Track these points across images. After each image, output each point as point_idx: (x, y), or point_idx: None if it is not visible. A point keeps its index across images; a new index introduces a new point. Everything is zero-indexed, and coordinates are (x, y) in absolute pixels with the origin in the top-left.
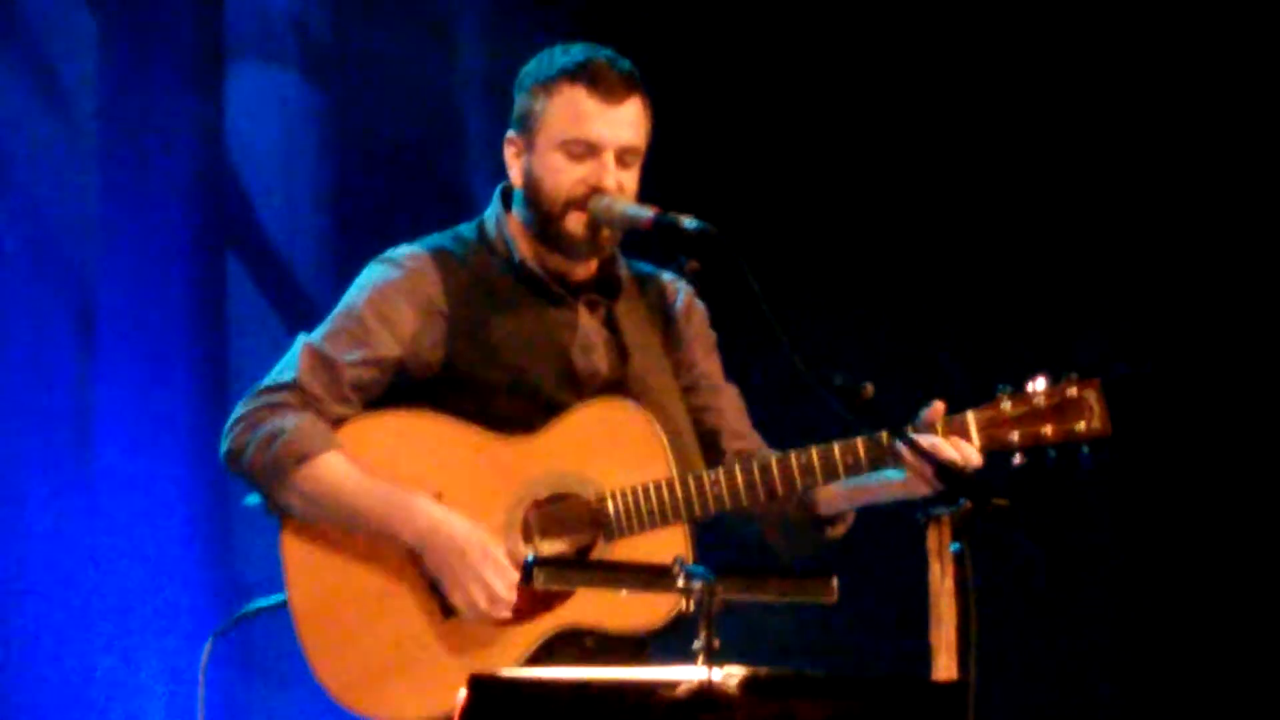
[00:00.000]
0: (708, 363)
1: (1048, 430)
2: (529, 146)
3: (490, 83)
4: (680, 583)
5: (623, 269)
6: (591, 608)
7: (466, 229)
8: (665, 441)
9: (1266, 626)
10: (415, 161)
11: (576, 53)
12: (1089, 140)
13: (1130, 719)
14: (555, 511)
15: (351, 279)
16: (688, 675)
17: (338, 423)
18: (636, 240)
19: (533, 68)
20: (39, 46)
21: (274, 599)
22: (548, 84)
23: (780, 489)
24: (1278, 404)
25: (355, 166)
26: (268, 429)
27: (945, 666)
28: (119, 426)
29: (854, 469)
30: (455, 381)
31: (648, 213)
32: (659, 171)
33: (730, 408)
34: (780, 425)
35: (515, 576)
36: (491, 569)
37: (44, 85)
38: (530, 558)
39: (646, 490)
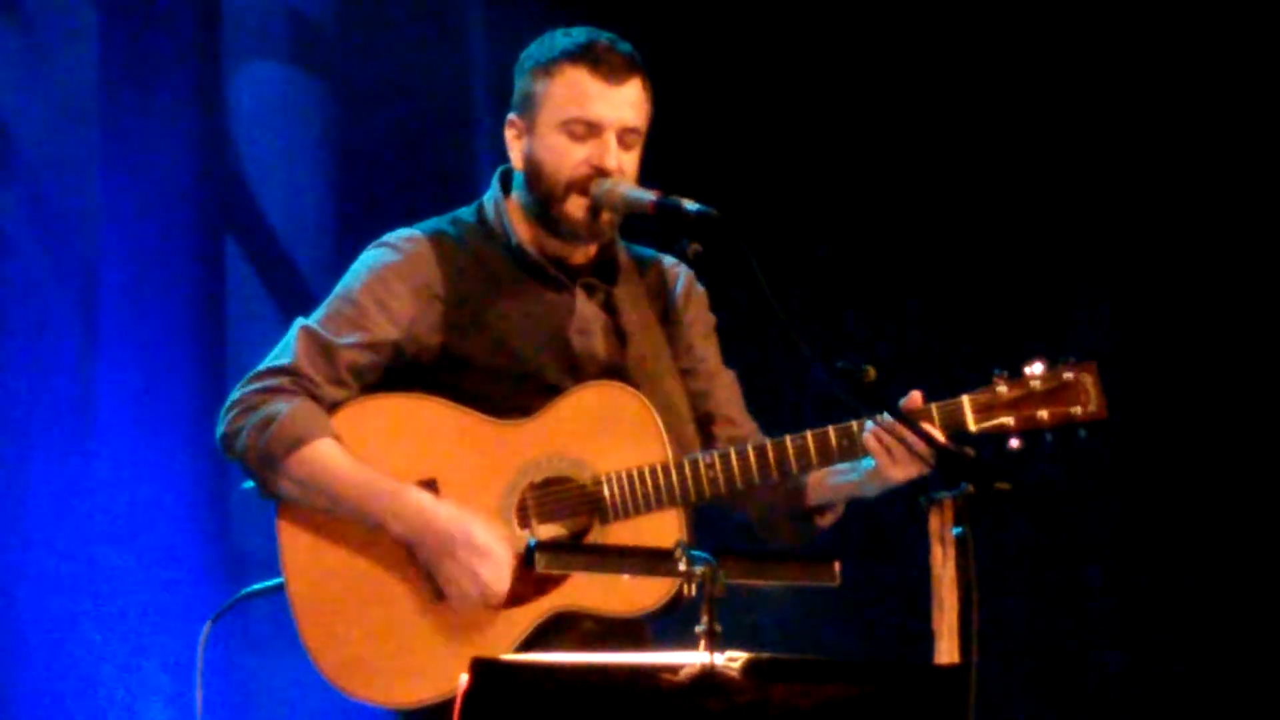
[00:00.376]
0: (705, 347)
1: (1043, 414)
2: (530, 128)
3: (493, 71)
4: (682, 566)
5: (622, 253)
6: (585, 591)
7: (465, 212)
8: (661, 425)
9: (1270, 611)
10: (416, 149)
11: (578, 35)
12: (1089, 126)
13: (1133, 702)
14: (551, 495)
15: (348, 263)
16: (690, 660)
17: (333, 406)
18: (638, 223)
19: (534, 50)
20: (40, 36)
21: (272, 582)
22: (549, 65)
23: (775, 472)
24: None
25: (356, 154)
26: (262, 414)
27: (947, 650)
28: (120, 411)
29: (849, 451)
30: (452, 365)
31: (650, 196)
32: (660, 155)
33: (725, 393)
34: (779, 409)
35: (505, 563)
36: (479, 559)
37: (46, 75)
38: (532, 542)
39: (642, 474)
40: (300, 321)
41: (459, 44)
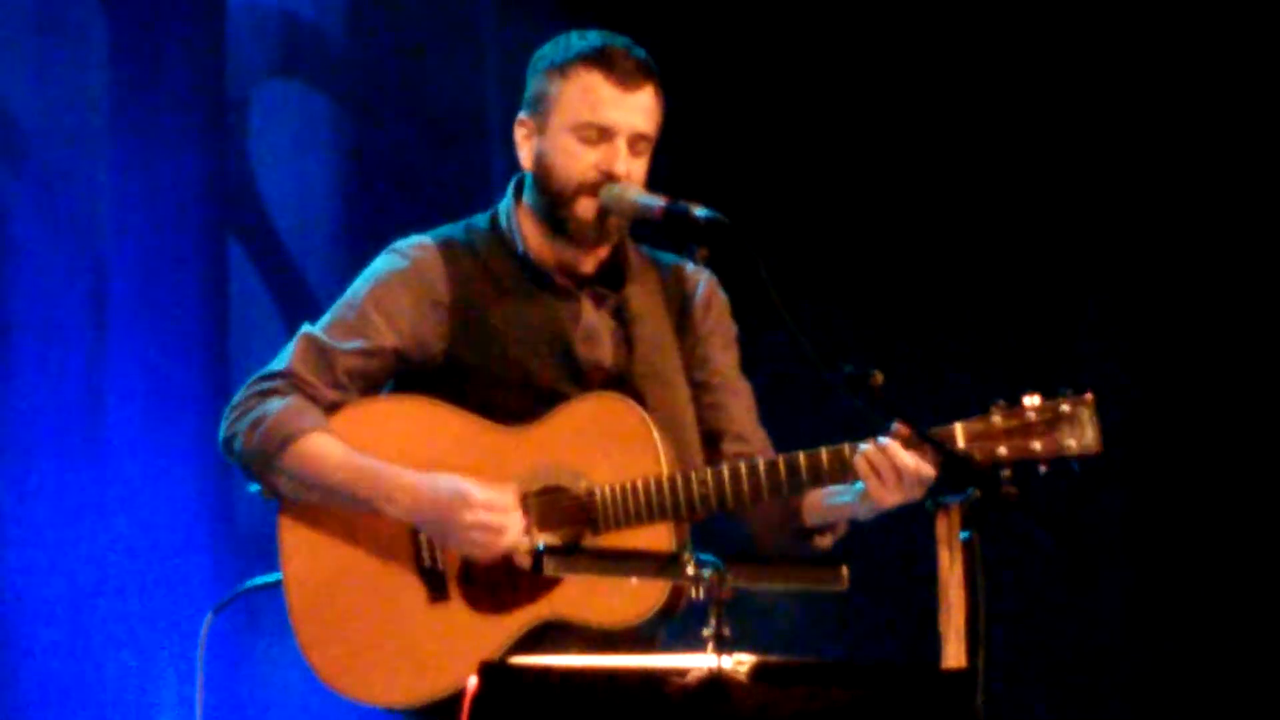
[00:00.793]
0: (724, 358)
1: (1037, 446)
2: (541, 129)
3: (506, 78)
4: (690, 570)
5: (635, 257)
6: (575, 602)
7: (480, 219)
8: (658, 439)
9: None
10: (426, 156)
11: (593, 38)
12: (1102, 144)
13: (1140, 705)
14: (546, 503)
15: (358, 269)
16: (698, 663)
17: (331, 408)
18: (646, 229)
19: (548, 51)
20: (50, 42)
21: (274, 576)
22: (563, 67)
23: (766, 492)
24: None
25: (365, 160)
26: (256, 414)
27: (954, 654)
28: (128, 412)
29: (840, 474)
30: (456, 372)
31: (659, 201)
32: (670, 160)
33: (739, 408)
34: (786, 415)
35: (513, 506)
36: (487, 512)
37: (55, 81)
38: (540, 545)
39: (635, 487)
40: (305, 328)
41: (472, 51)
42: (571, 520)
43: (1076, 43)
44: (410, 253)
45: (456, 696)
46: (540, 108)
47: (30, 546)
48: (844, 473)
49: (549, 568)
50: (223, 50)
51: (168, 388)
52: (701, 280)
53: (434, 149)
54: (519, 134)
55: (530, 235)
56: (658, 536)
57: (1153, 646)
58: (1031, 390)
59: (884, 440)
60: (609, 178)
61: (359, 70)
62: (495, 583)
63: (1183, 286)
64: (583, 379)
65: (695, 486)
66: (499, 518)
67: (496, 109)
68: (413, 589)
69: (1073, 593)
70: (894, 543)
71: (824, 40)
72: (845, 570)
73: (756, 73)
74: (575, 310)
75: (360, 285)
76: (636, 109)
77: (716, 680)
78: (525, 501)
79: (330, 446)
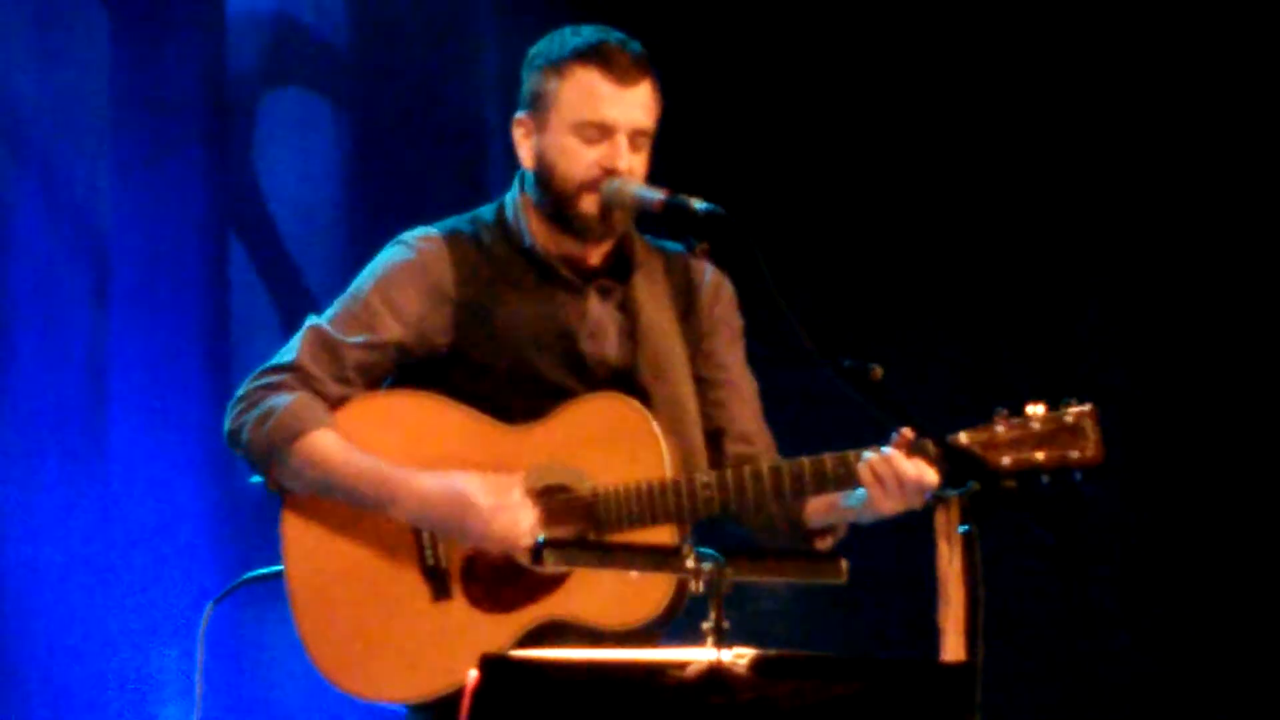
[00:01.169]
0: (729, 354)
1: (1040, 455)
2: (540, 127)
3: (505, 76)
4: (689, 564)
5: (642, 249)
6: (578, 602)
7: (486, 211)
8: (662, 440)
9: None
10: (428, 154)
11: (588, 34)
12: (1102, 141)
13: (1140, 698)
14: (550, 502)
15: (360, 263)
16: (697, 656)
17: (337, 403)
18: (647, 223)
19: (543, 48)
20: (53, 39)
21: (274, 568)
22: (560, 65)
23: (771, 497)
24: None
25: (367, 156)
26: (263, 408)
27: (953, 647)
28: (131, 404)
29: (844, 480)
30: (460, 366)
31: (658, 195)
32: (669, 154)
33: (743, 406)
34: (786, 412)
35: (520, 503)
36: (497, 501)
37: (56, 76)
38: (541, 538)
39: (639, 489)
40: (311, 320)
41: (471, 52)
42: (575, 520)
43: (1079, 42)
44: (416, 244)
45: (457, 694)
46: (538, 106)
47: (32, 540)
48: (848, 479)
49: (548, 560)
50: (223, 50)
51: (169, 380)
52: (709, 270)
53: (434, 149)
54: (517, 133)
55: (536, 229)
56: (660, 537)
57: (1148, 640)
58: (1034, 398)
59: (887, 449)
60: (610, 174)
61: (358, 71)
62: (498, 582)
63: (1182, 287)
64: (587, 374)
65: (699, 490)
66: (510, 513)
67: (496, 109)
68: (415, 587)
69: (1068, 586)
70: (893, 536)
71: (829, 36)
72: (844, 564)
73: (755, 64)
74: (582, 304)
75: (366, 277)
76: (635, 104)
77: (716, 673)
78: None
79: (336, 445)
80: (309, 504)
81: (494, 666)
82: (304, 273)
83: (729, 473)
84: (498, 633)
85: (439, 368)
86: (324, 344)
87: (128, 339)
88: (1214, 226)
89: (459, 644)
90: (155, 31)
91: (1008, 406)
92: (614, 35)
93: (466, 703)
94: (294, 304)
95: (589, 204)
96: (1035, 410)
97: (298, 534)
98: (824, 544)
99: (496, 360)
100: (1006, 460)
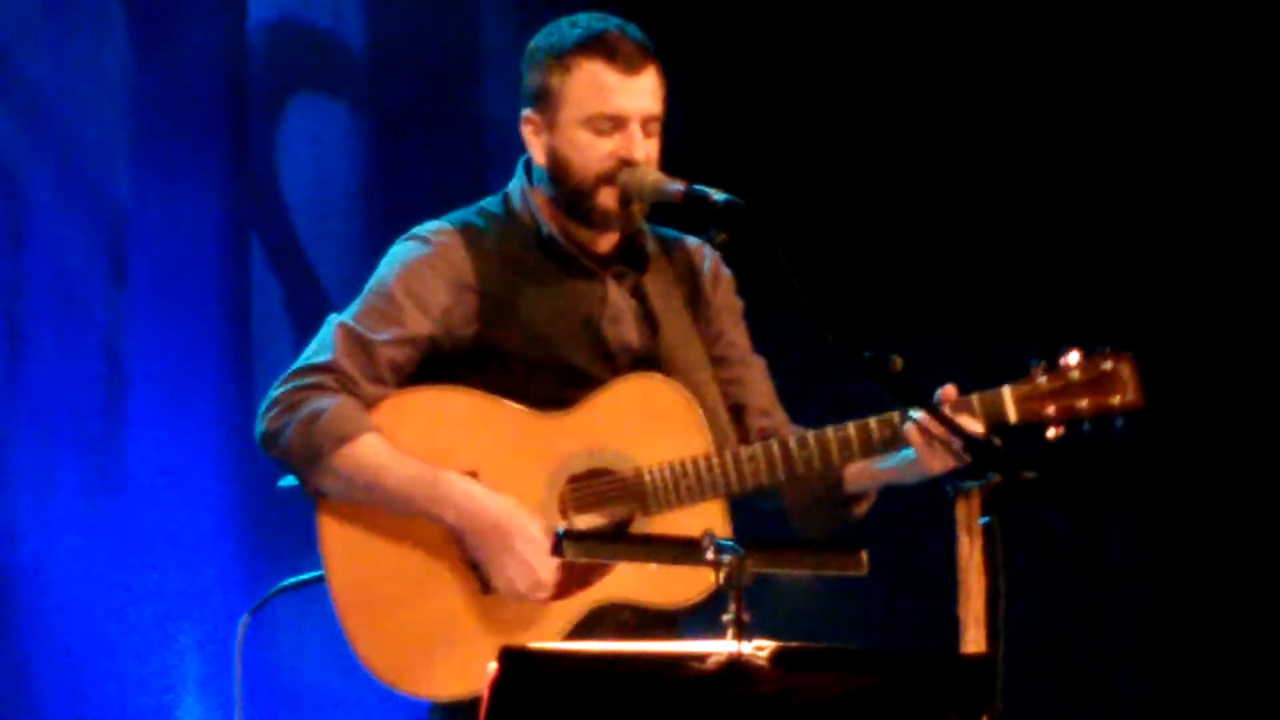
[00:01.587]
0: (736, 333)
1: (1083, 404)
2: (550, 123)
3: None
4: (710, 556)
5: (649, 237)
6: (630, 582)
7: (491, 203)
8: (702, 416)
9: None
10: (443, 150)
11: (587, 24)
12: (1116, 125)
13: (1157, 692)
14: (592, 486)
15: (378, 257)
16: (717, 649)
17: (372, 403)
18: (662, 212)
19: (542, 42)
20: (72, 30)
21: (308, 575)
22: (563, 59)
23: (818, 463)
24: None
25: (384, 151)
26: (307, 411)
27: (974, 640)
28: (149, 400)
29: (890, 444)
30: (485, 357)
31: (678, 185)
32: (686, 144)
33: (758, 382)
34: (804, 398)
35: (543, 548)
36: (533, 551)
37: (77, 75)
38: (560, 530)
39: (684, 465)
40: (335, 318)
41: (488, 58)
42: (620, 503)
43: (1096, 46)
44: (432, 238)
45: None
46: (545, 102)
47: (48, 537)
48: (894, 442)
49: (568, 553)
50: (243, 49)
51: (187, 374)
52: (707, 254)
53: (448, 149)
54: (526, 130)
55: (550, 217)
56: (709, 514)
57: (1170, 631)
58: (1069, 346)
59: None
60: (627, 164)
61: (374, 74)
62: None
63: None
64: (611, 360)
65: (745, 463)
66: (542, 564)
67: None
68: (464, 582)
69: (1090, 577)
70: (913, 528)
71: (841, 27)
72: (864, 555)
73: (773, 50)
74: (601, 291)
75: (387, 274)
76: (644, 92)
77: (736, 666)
78: (568, 489)
79: (384, 450)
80: (346, 507)
81: (513, 659)
82: (321, 266)
83: (774, 444)
84: (554, 619)
85: (463, 361)
86: (357, 342)
87: (145, 333)
88: (1228, 227)
89: (516, 635)
90: (174, 28)
91: (1043, 358)
92: (612, 21)
93: (486, 695)
94: (311, 296)
95: (607, 197)
96: (1070, 359)
97: (337, 538)
98: (859, 509)
99: (524, 350)
100: (1051, 410)
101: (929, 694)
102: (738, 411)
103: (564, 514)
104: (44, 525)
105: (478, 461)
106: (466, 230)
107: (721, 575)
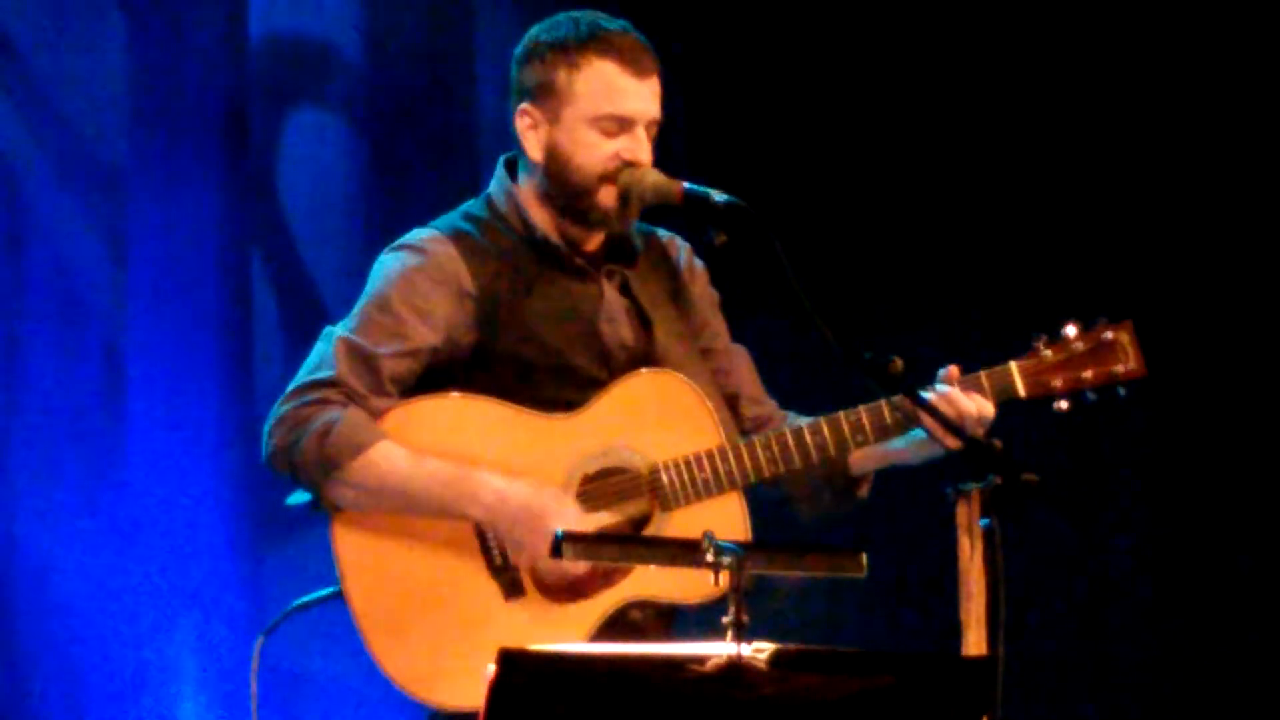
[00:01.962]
0: (717, 323)
1: (1088, 374)
2: (551, 119)
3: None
4: (709, 557)
5: (635, 235)
6: (654, 579)
7: (475, 206)
8: (713, 410)
9: None
10: (439, 161)
11: (594, 23)
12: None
13: (1158, 695)
14: (607, 485)
15: (372, 269)
16: (717, 651)
17: (377, 416)
18: (660, 211)
19: (544, 37)
20: (73, 36)
21: (322, 592)
22: (572, 55)
23: (833, 450)
24: None
25: (383, 162)
26: (318, 424)
27: (975, 642)
28: (150, 402)
29: (903, 425)
30: (485, 362)
31: (678, 185)
32: (676, 143)
33: (744, 370)
34: (802, 394)
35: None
36: (568, 524)
37: (78, 81)
38: (559, 532)
39: (700, 459)
40: (334, 331)
41: (491, 74)
42: (637, 500)
43: (1095, 47)
44: (424, 246)
45: None
46: (548, 97)
47: (49, 538)
48: (906, 424)
49: (567, 555)
50: (245, 62)
51: (187, 377)
52: (680, 247)
53: (443, 161)
54: (522, 124)
55: (540, 218)
56: (728, 507)
57: (1173, 632)
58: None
59: (943, 388)
60: (630, 165)
61: (372, 88)
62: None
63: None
64: (610, 360)
65: (760, 451)
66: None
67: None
68: (487, 589)
69: (1092, 580)
70: (913, 530)
71: (837, 26)
72: (864, 557)
73: (772, 51)
74: (596, 291)
75: (385, 285)
76: (652, 96)
77: (736, 668)
78: (584, 489)
79: (401, 454)
80: (361, 520)
81: (512, 660)
82: (319, 271)
83: (788, 432)
84: (579, 621)
85: (463, 368)
86: (360, 356)
87: (145, 334)
88: (1230, 224)
89: (543, 639)
90: (177, 38)
91: (1045, 332)
92: (617, 23)
93: (485, 697)
94: (309, 299)
95: (607, 196)
96: (1070, 331)
97: (353, 549)
98: (863, 491)
99: (524, 353)
100: (1058, 383)
101: (929, 696)
102: (732, 402)
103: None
104: (44, 527)
105: (490, 466)
106: (457, 236)
107: (721, 577)
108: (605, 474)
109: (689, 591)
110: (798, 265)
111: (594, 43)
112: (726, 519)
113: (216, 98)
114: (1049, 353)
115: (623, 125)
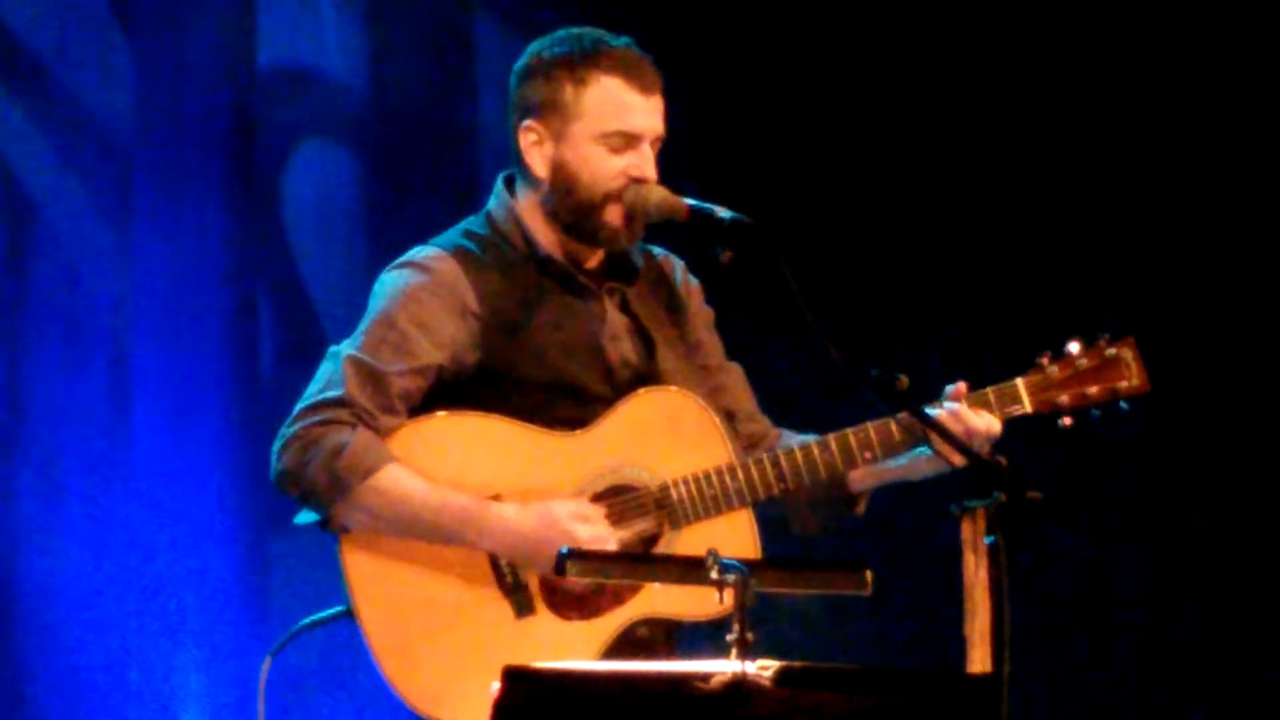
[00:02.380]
0: (712, 341)
1: (1093, 390)
2: (557, 135)
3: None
4: (714, 575)
5: (635, 253)
6: (664, 596)
7: (474, 224)
8: (721, 427)
9: None
10: (442, 182)
11: (600, 39)
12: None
13: (1166, 713)
14: (618, 503)
15: (374, 287)
16: (721, 668)
17: (386, 435)
18: (665, 229)
19: (549, 53)
20: (79, 62)
21: (329, 612)
22: (578, 71)
23: (841, 466)
24: None
25: (385, 186)
26: (330, 444)
27: (980, 659)
28: (155, 414)
29: (910, 442)
30: (489, 381)
31: (684, 202)
32: (692, 160)
33: (739, 388)
34: (807, 410)
35: (598, 517)
36: (584, 532)
37: (79, 122)
38: (563, 549)
39: (709, 476)
40: (341, 350)
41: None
42: (646, 517)
43: (1094, 49)
44: (428, 264)
45: None
46: (553, 113)
47: (53, 551)
48: (914, 441)
49: (571, 572)
50: (251, 91)
51: (193, 389)
52: (676, 265)
53: (445, 184)
54: (526, 140)
55: (542, 235)
56: (738, 525)
57: (1177, 649)
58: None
59: (951, 405)
60: (636, 183)
61: (376, 118)
62: (582, 590)
63: (1199, 288)
64: (613, 377)
65: (769, 468)
66: (596, 529)
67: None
68: (498, 609)
69: (1097, 596)
70: (918, 547)
71: (839, 36)
72: (869, 574)
73: (776, 67)
74: (598, 309)
75: (389, 304)
76: (657, 112)
77: (740, 685)
78: (592, 503)
79: (411, 480)
80: (370, 539)
81: (517, 678)
82: (323, 286)
83: (796, 449)
84: (589, 639)
85: (467, 386)
86: (368, 375)
87: (151, 350)
88: (1229, 225)
89: (552, 657)
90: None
91: (1049, 350)
92: (621, 40)
93: (490, 714)
94: (313, 315)
95: (614, 213)
96: (1074, 348)
97: (363, 570)
98: (860, 509)
99: (529, 371)
100: (1064, 399)
101: (934, 713)
102: (730, 419)
103: None
104: (48, 541)
105: (499, 484)
106: (459, 253)
107: (725, 595)
108: (615, 491)
109: (699, 608)
110: (803, 282)
111: (600, 58)
112: (736, 536)
113: (222, 116)
114: (1054, 369)
115: (629, 141)
